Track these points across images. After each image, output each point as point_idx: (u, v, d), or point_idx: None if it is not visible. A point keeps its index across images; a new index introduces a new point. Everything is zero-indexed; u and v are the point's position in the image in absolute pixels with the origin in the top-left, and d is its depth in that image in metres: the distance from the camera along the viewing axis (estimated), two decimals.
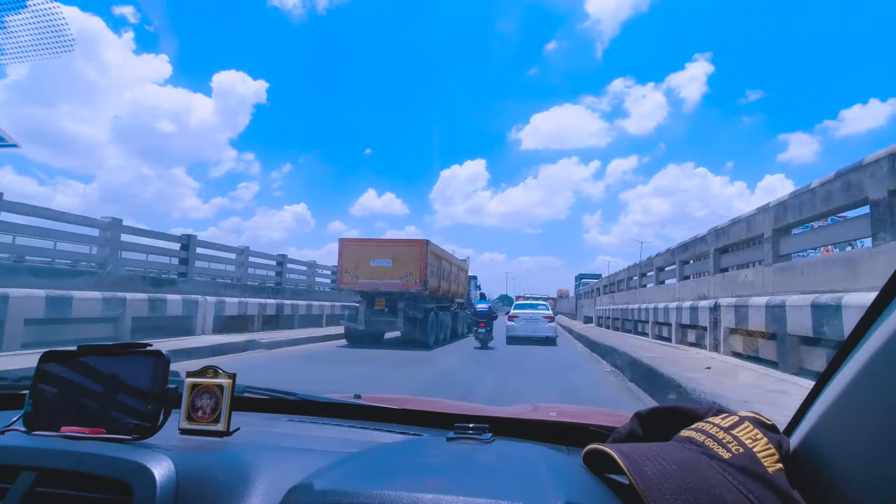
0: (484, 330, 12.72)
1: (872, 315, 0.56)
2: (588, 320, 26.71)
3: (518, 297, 23.93)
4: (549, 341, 14.09)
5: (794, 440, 0.65)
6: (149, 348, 0.80)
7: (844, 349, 0.59)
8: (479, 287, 21.79)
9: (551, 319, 14.52)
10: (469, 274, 21.05)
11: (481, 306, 13.39)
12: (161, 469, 0.62)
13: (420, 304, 12.40)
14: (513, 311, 15.49)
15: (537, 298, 22.13)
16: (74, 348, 0.81)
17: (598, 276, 37.27)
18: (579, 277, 52.41)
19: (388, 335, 13.27)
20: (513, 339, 14.17)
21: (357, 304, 12.50)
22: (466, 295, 19.86)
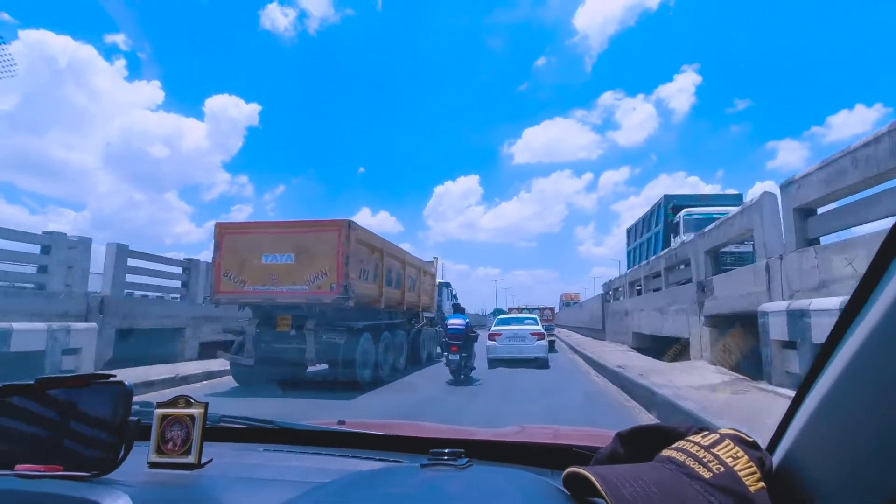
0: (458, 356, 8.66)
1: (846, 322, 0.54)
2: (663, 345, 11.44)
3: (511, 310, 19.42)
4: (540, 363, 11.39)
5: (777, 457, 0.63)
6: (111, 379, 0.76)
7: (820, 360, 0.57)
8: (454, 297, 17.42)
9: (541, 336, 11.76)
10: (440, 280, 16.72)
11: (454, 322, 9.26)
12: None
13: (341, 320, 8.04)
14: (494, 328, 12.55)
15: (531, 309, 17.73)
16: (31, 381, 0.76)
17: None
18: (639, 230, 22.50)
19: (315, 367, 8.81)
20: (495, 362, 11.47)
21: (244, 327, 8.08)
22: (438, 307, 15.55)
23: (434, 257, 14.78)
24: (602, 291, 21.14)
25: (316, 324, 7.78)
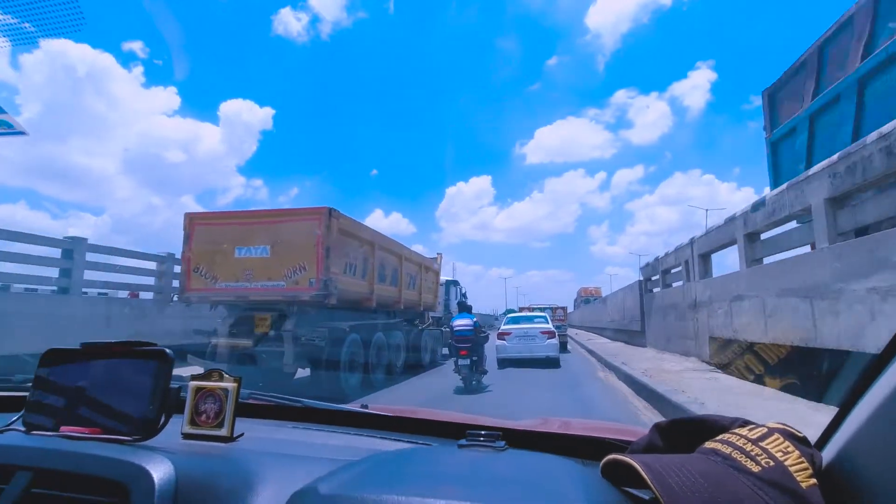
0: (468, 360, 7.80)
1: None
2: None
3: (522, 309, 18.37)
4: (551, 362, 11.10)
5: (827, 455, 0.60)
6: (152, 348, 0.78)
7: (879, 362, 0.56)
8: (464, 296, 16.48)
9: (552, 335, 11.35)
10: (448, 278, 15.81)
11: (461, 323, 8.26)
12: (160, 472, 0.61)
13: (327, 321, 7.20)
14: (503, 327, 12.11)
15: (543, 309, 16.70)
16: (77, 346, 0.80)
17: None
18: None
19: (302, 373, 8.00)
20: (505, 362, 11.15)
21: (216, 328, 7.29)
22: (444, 306, 14.65)
23: (438, 254, 13.90)
24: (640, 278, 15.05)
25: (295, 324, 6.95)
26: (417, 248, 11.89)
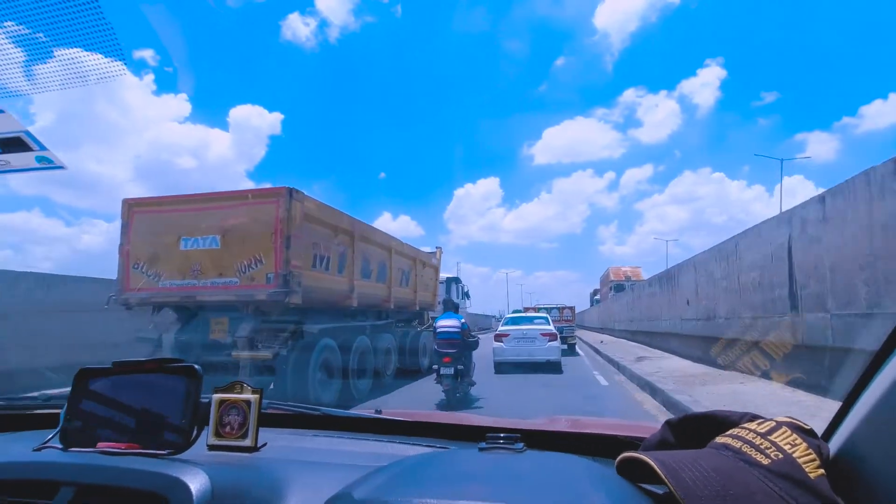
0: (451, 369, 6.43)
1: None
2: None
3: (527, 309, 16.96)
4: (553, 367, 10.10)
5: (833, 446, 0.62)
6: (182, 364, 0.81)
7: (882, 353, 0.58)
8: (466, 294, 15.26)
9: (553, 337, 10.38)
10: (449, 276, 14.56)
11: (446, 324, 6.86)
12: (197, 483, 0.63)
13: (295, 323, 6.01)
14: (501, 328, 11.11)
15: (549, 309, 15.37)
16: (109, 365, 0.82)
17: None
18: None
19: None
20: (502, 367, 10.13)
21: (161, 335, 6.12)
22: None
23: (437, 248, 12.64)
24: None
25: (252, 329, 5.77)
26: (426, 250, 10.67)
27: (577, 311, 19.14)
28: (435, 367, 6.81)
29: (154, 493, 0.63)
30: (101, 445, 0.75)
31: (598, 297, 42.82)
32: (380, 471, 0.69)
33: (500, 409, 6.38)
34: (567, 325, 15.22)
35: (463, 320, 7.02)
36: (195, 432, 0.77)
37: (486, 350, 10.56)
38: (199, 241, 5.87)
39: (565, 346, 14.05)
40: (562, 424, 1.17)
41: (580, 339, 18.85)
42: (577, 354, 14.33)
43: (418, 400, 6.92)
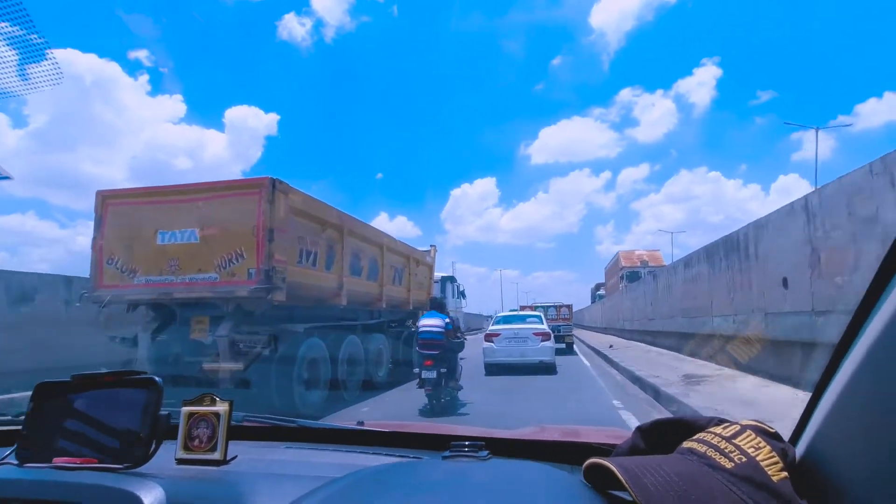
0: (434, 372, 5.97)
1: (862, 315, 0.53)
2: None
3: (523, 308, 16.62)
4: (546, 368, 9.55)
5: (800, 449, 0.62)
6: (142, 376, 0.79)
7: (838, 353, 0.57)
8: (462, 294, 14.95)
9: (546, 337, 9.82)
10: (444, 274, 14.26)
11: (429, 324, 6.39)
12: (150, 497, 0.62)
13: (278, 322, 5.69)
14: (491, 328, 10.55)
15: (547, 307, 15.08)
16: (67, 379, 0.81)
17: None
18: None
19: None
20: (493, 368, 9.69)
21: (137, 335, 5.78)
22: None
23: (431, 246, 12.34)
24: None
25: (232, 328, 5.44)
26: (420, 248, 10.33)
27: (574, 310, 18.74)
28: (416, 370, 6.36)
29: None
30: (58, 461, 0.74)
31: (601, 291, 37.81)
32: (335, 482, 0.68)
33: (490, 415, 6.02)
34: (564, 323, 14.94)
35: (447, 319, 6.49)
36: (154, 446, 0.74)
37: (477, 351, 10.27)
38: (176, 234, 5.54)
39: (563, 346, 13.79)
40: (538, 433, 1.15)
41: (581, 340, 18.29)
42: (575, 353, 14.04)
43: (410, 402, 6.58)
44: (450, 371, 6.23)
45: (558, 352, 11.51)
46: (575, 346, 15.48)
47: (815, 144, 22.02)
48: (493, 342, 9.87)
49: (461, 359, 6.88)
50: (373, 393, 7.39)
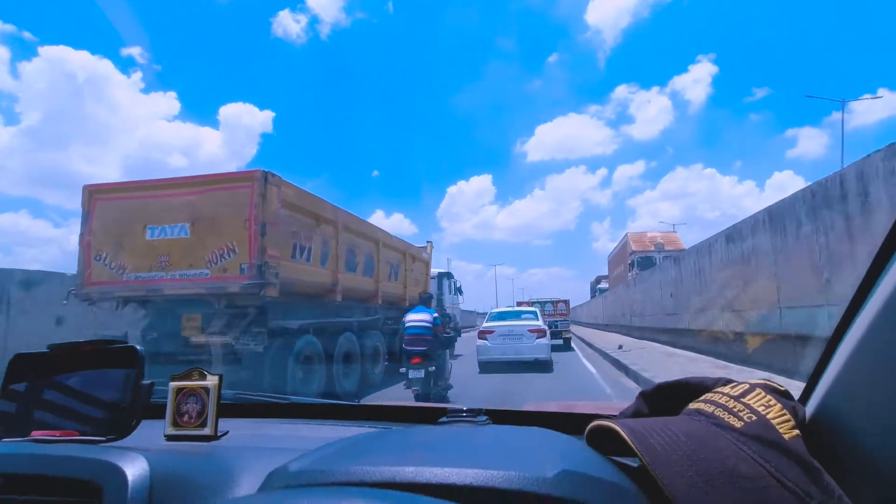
0: (421, 371, 5.65)
1: (874, 273, 0.52)
2: None
3: (520, 304, 16.51)
4: (542, 366, 9.19)
5: (810, 408, 0.60)
6: (122, 345, 0.77)
7: (849, 311, 0.56)
8: (458, 290, 14.86)
9: (542, 333, 9.42)
10: (441, 270, 14.17)
11: (415, 319, 5.93)
12: (134, 469, 0.59)
13: (272, 319, 5.57)
14: (485, 324, 10.09)
15: (544, 302, 14.95)
16: (45, 349, 0.78)
17: None
18: None
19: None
20: (487, 366, 9.23)
21: (126, 333, 5.64)
22: (437, 302, 13.01)
23: (428, 242, 12.23)
24: None
25: (224, 324, 5.32)
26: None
27: (572, 306, 18.62)
28: (402, 369, 5.94)
29: (87, 481, 0.60)
30: (36, 434, 0.72)
31: (603, 284, 32.66)
32: (326, 446, 0.67)
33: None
34: (561, 318, 14.82)
35: (435, 315, 6.05)
36: (137, 417, 0.72)
37: (471, 349, 10.14)
38: (166, 229, 5.41)
39: (560, 342, 13.69)
40: (537, 407, 1.11)
41: (581, 338, 17.96)
42: (573, 349, 13.96)
43: (407, 399, 6.49)
44: (438, 370, 5.90)
45: (555, 348, 11.36)
46: (573, 343, 15.37)
47: (842, 118, 19.43)
48: (486, 339, 9.51)
49: (457, 356, 6.76)
50: (369, 390, 7.29)
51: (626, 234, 27.93)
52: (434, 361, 5.75)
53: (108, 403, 0.74)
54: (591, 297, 34.44)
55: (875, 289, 0.52)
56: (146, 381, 0.74)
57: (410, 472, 0.50)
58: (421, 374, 5.58)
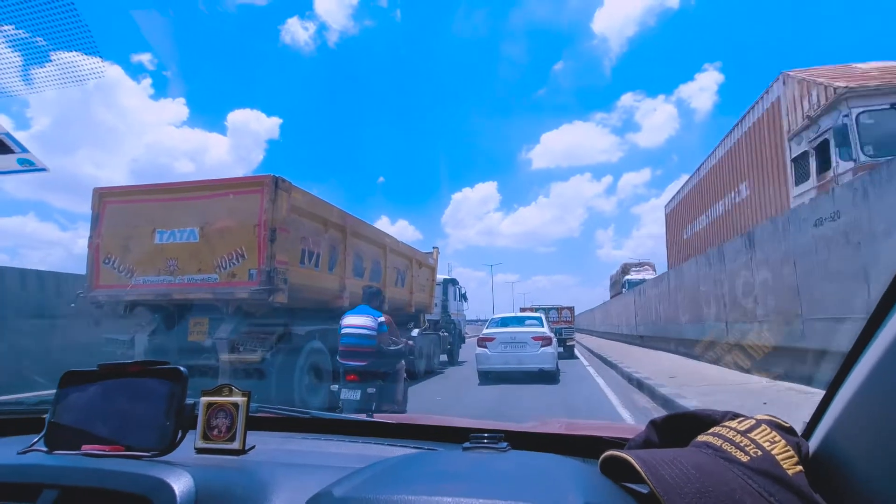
0: (357, 392, 4.35)
1: (880, 315, 0.54)
2: None
3: (524, 310, 16.39)
4: (547, 377, 8.51)
5: (813, 443, 0.62)
6: (167, 366, 0.81)
7: (855, 349, 0.58)
8: (463, 296, 14.79)
9: (547, 342, 8.68)
10: (446, 276, 14.11)
11: (352, 323, 4.53)
12: (181, 484, 0.63)
13: (280, 324, 5.54)
14: (486, 331, 9.34)
15: (548, 309, 14.80)
16: (95, 368, 0.83)
17: None
18: None
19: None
20: (488, 376, 8.67)
21: (134, 336, 5.62)
22: (442, 308, 12.97)
23: (434, 248, 12.20)
24: None
25: (232, 330, 5.29)
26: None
27: (576, 313, 18.51)
28: (334, 386, 4.59)
29: (137, 495, 0.63)
30: (86, 448, 0.76)
31: (636, 275, 24.23)
32: (362, 470, 0.69)
33: None
34: (566, 326, 14.70)
35: (382, 319, 4.56)
36: (180, 434, 0.76)
37: (471, 356, 9.92)
38: (175, 234, 5.40)
39: (562, 350, 13.33)
40: (549, 426, 1.16)
41: (598, 355, 16.75)
42: (577, 358, 13.83)
43: (411, 406, 6.43)
44: (388, 391, 4.54)
45: (559, 356, 10.92)
46: (576, 350, 15.21)
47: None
48: (486, 347, 8.72)
49: (461, 362, 6.34)
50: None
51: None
52: (377, 381, 4.42)
53: (152, 421, 0.77)
54: (613, 296, 27.56)
55: (881, 329, 0.53)
56: (189, 402, 0.78)
57: (449, 503, 0.53)
58: (356, 395, 4.31)
